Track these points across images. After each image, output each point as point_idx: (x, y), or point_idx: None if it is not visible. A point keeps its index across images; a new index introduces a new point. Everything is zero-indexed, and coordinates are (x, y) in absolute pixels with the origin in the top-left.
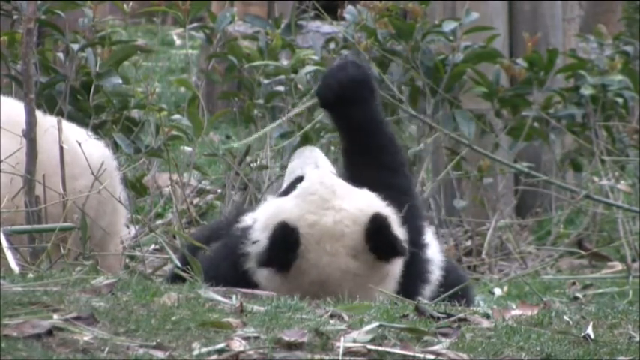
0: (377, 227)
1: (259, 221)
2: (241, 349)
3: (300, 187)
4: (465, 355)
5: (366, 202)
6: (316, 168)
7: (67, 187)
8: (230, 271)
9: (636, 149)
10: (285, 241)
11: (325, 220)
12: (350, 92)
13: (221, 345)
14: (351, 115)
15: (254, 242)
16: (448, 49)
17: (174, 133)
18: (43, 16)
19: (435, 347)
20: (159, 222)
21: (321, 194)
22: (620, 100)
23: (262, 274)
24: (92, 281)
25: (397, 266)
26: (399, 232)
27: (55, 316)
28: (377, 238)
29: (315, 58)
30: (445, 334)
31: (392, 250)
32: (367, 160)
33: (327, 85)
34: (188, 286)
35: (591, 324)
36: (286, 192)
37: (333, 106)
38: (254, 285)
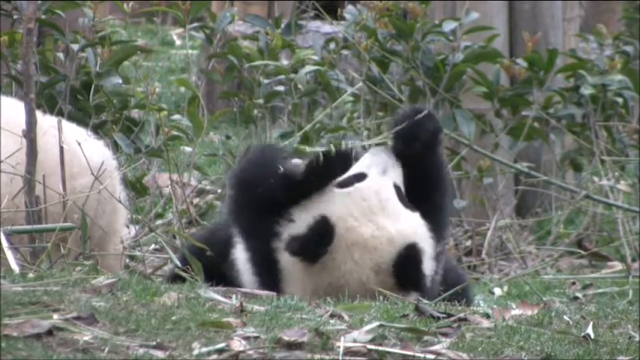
0: (408, 257)
1: (304, 205)
2: (241, 349)
3: (357, 186)
4: (465, 355)
5: (410, 228)
6: (383, 174)
7: (66, 187)
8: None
9: (636, 149)
10: (321, 237)
11: (364, 230)
12: (431, 144)
13: (221, 345)
14: (424, 161)
15: (290, 220)
16: (448, 49)
17: (174, 133)
18: (43, 16)
19: (435, 347)
20: (159, 222)
21: (371, 204)
22: (620, 100)
23: (288, 257)
24: (92, 281)
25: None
26: (428, 267)
27: (55, 316)
28: (404, 268)
29: (315, 58)
30: (445, 334)
31: (412, 285)
32: (422, 196)
33: (415, 136)
34: (188, 286)
35: (591, 324)
36: (342, 182)
37: (414, 154)
38: (276, 262)
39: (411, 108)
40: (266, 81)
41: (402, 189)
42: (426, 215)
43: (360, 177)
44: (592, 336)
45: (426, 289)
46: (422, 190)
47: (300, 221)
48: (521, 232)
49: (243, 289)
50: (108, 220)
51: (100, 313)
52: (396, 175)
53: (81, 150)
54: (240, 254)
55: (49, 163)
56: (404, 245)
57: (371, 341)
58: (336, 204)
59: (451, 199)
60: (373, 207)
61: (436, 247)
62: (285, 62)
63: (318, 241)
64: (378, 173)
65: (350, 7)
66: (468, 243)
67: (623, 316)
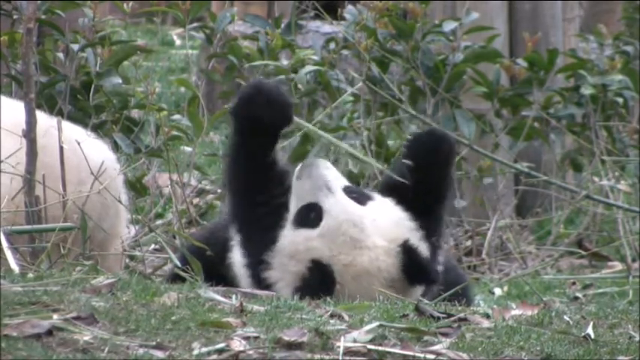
0: (410, 259)
1: (283, 248)
2: (241, 349)
3: (324, 225)
4: (465, 355)
5: (392, 226)
6: (330, 193)
7: (74, 192)
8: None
9: (636, 149)
10: (324, 283)
11: (361, 260)
12: (446, 162)
13: (221, 345)
14: (435, 177)
15: (281, 266)
16: (448, 49)
17: (174, 133)
18: (43, 16)
19: (435, 347)
20: (159, 222)
21: (351, 234)
22: (620, 99)
23: (285, 291)
24: (92, 281)
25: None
26: (426, 255)
27: (55, 316)
28: (412, 270)
29: (315, 58)
30: (445, 334)
31: (427, 279)
32: (422, 204)
33: (432, 155)
34: (188, 286)
35: (591, 324)
36: (300, 221)
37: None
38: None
39: (428, 130)
40: None
41: (344, 179)
42: (422, 221)
43: (315, 210)
44: (592, 336)
45: (439, 278)
46: (424, 200)
47: (293, 268)
48: (521, 232)
49: (243, 289)
50: (111, 224)
51: (100, 313)
52: (336, 177)
53: (87, 154)
54: (237, 258)
55: (57, 166)
56: (399, 249)
57: (371, 341)
58: (318, 247)
59: (449, 205)
60: (355, 236)
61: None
62: (285, 62)
63: (325, 288)
64: (327, 195)
65: (350, 7)
66: (468, 243)
67: (623, 316)
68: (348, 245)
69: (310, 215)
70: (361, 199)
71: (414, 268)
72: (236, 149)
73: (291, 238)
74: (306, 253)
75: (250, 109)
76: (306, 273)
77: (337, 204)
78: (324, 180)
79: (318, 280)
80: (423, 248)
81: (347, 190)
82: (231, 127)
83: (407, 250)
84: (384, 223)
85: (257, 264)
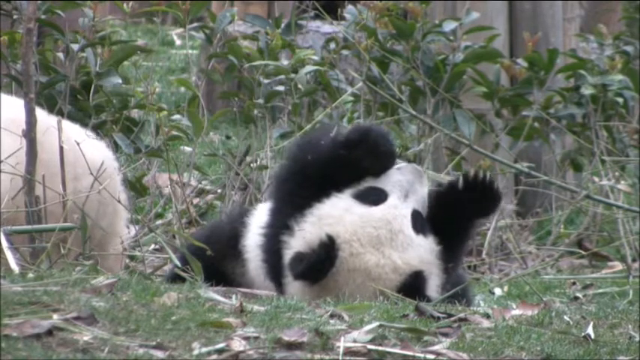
0: (413, 286)
1: (324, 208)
2: (241, 349)
3: (370, 210)
4: (465, 355)
5: (418, 257)
6: (403, 198)
7: (69, 187)
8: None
9: (636, 149)
10: (323, 263)
11: (368, 258)
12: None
13: (221, 345)
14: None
15: (299, 230)
16: (448, 49)
17: (174, 133)
18: (43, 16)
19: (435, 347)
20: (159, 222)
21: (380, 233)
22: (620, 99)
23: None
24: (92, 281)
25: None
26: (434, 289)
27: (55, 316)
28: (408, 295)
29: (315, 58)
30: (445, 334)
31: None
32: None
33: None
34: (188, 286)
35: (591, 324)
36: (358, 193)
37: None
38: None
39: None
40: (266, 81)
41: (423, 210)
42: (445, 245)
43: (380, 195)
44: (592, 336)
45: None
46: (449, 231)
47: (309, 234)
48: (522, 232)
49: (243, 289)
50: (109, 222)
51: (100, 313)
52: (418, 198)
53: (85, 151)
54: (250, 241)
55: (54, 163)
56: (409, 273)
57: (371, 341)
58: (345, 224)
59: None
60: (382, 237)
61: (444, 268)
62: (285, 62)
63: (320, 268)
64: (399, 197)
65: (350, 7)
66: None
67: (623, 316)
68: (368, 239)
69: (371, 196)
70: (417, 225)
71: (411, 297)
72: (313, 173)
73: (335, 201)
74: (334, 220)
75: (354, 154)
76: (316, 245)
77: (396, 208)
78: (410, 187)
79: (322, 256)
80: (432, 288)
81: (414, 214)
82: (321, 154)
83: (414, 278)
84: (413, 250)
85: (279, 233)
